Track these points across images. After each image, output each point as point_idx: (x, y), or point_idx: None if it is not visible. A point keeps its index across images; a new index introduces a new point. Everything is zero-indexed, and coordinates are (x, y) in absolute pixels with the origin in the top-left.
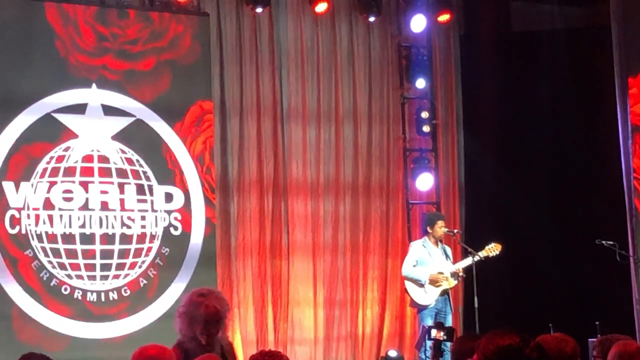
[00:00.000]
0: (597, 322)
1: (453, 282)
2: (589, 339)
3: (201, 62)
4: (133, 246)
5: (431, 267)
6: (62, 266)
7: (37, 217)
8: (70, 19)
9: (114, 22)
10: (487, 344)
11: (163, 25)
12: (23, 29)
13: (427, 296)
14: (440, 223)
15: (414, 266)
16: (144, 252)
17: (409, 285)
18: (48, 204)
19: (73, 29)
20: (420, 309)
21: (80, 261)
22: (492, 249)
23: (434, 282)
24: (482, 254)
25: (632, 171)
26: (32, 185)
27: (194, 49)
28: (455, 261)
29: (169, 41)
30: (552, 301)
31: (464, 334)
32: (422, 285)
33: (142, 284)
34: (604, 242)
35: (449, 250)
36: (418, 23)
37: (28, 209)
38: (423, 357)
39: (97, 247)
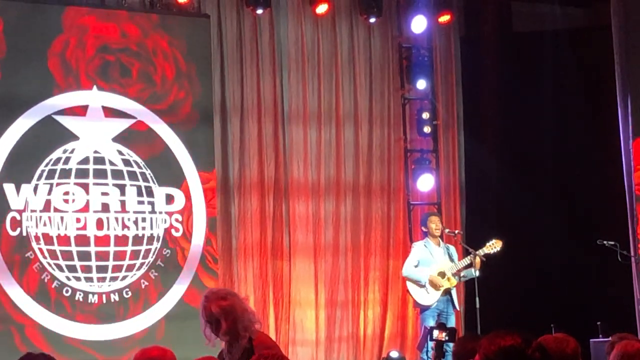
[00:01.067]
0: (598, 323)
1: (455, 282)
2: (591, 339)
3: (200, 130)
4: (134, 248)
5: (433, 268)
6: (63, 268)
7: (38, 219)
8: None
9: (116, 80)
10: (489, 344)
11: (165, 88)
12: (26, 31)
13: (429, 296)
14: (432, 219)
15: (416, 266)
16: (145, 254)
17: (410, 286)
18: (49, 206)
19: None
20: (422, 309)
21: (79, 263)
22: (493, 245)
23: (433, 284)
24: (483, 250)
25: (632, 171)
26: (33, 187)
27: (194, 116)
28: (460, 258)
29: (168, 106)
30: (553, 301)
31: (465, 334)
32: (422, 286)
33: (143, 286)
34: (605, 242)
35: (452, 249)
36: (419, 24)
37: (29, 211)
38: (425, 358)
39: (98, 249)
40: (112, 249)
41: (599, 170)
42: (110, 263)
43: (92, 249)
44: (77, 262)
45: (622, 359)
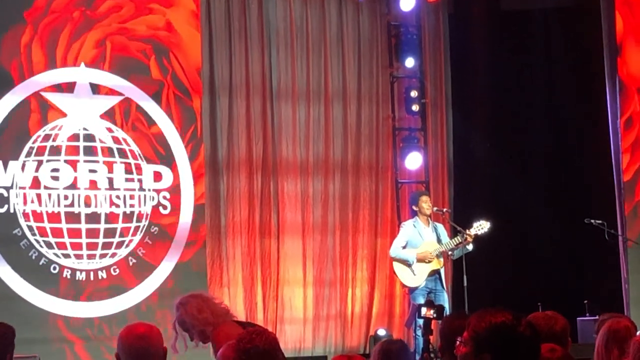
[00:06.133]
0: (585, 301)
1: (442, 262)
2: (578, 318)
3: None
4: (121, 225)
5: (421, 249)
6: (50, 245)
7: (25, 196)
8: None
9: (105, 57)
10: (479, 321)
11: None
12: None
13: (416, 278)
14: (423, 198)
15: (404, 247)
16: (133, 231)
17: (397, 267)
18: (36, 183)
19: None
20: (411, 289)
21: (68, 240)
22: (481, 226)
23: (422, 259)
24: (472, 231)
25: (620, 150)
26: (21, 164)
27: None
28: (449, 237)
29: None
30: (541, 280)
31: (452, 312)
32: (409, 266)
33: (131, 263)
34: (592, 221)
35: (440, 227)
36: (407, 2)
37: (16, 187)
38: (415, 335)
39: (85, 226)
40: (102, 226)
41: (588, 149)
42: (101, 240)
43: (83, 226)
44: (63, 239)
45: (609, 335)
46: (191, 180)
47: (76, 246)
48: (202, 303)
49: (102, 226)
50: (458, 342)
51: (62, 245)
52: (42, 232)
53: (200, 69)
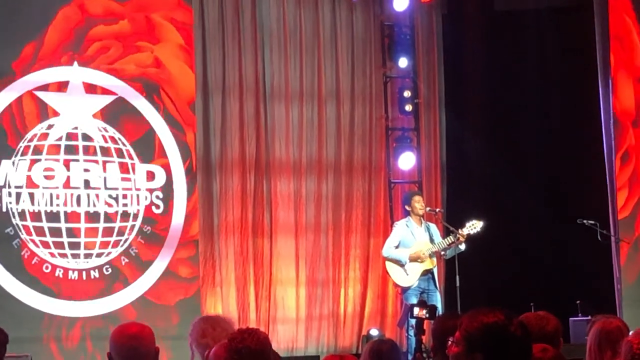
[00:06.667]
0: (578, 302)
1: (435, 262)
2: (570, 318)
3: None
4: (115, 224)
5: (413, 249)
6: (42, 244)
7: (18, 195)
8: None
9: (98, 56)
10: (471, 321)
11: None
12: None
13: (409, 277)
14: (416, 198)
15: (397, 247)
16: (126, 231)
17: (390, 267)
18: (29, 182)
19: None
20: (404, 289)
21: (60, 239)
22: (474, 226)
23: (415, 259)
24: (464, 231)
25: (613, 151)
26: (14, 163)
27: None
28: (441, 237)
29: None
30: (533, 281)
31: (445, 312)
32: (402, 266)
33: (123, 262)
34: (585, 221)
35: (433, 227)
36: (401, 2)
37: (9, 186)
38: (407, 335)
39: (78, 225)
40: (82, 225)
41: (581, 149)
42: (82, 240)
43: (63, 225)
44: (55, 239)
45: (601, 335)
46: (184, 180)
47: (69, 245)
48: (208, 328)
49: (94, 225)
50: (450, 342)
51: (54, 245)
52: (35, 231)
53: (192, 102)
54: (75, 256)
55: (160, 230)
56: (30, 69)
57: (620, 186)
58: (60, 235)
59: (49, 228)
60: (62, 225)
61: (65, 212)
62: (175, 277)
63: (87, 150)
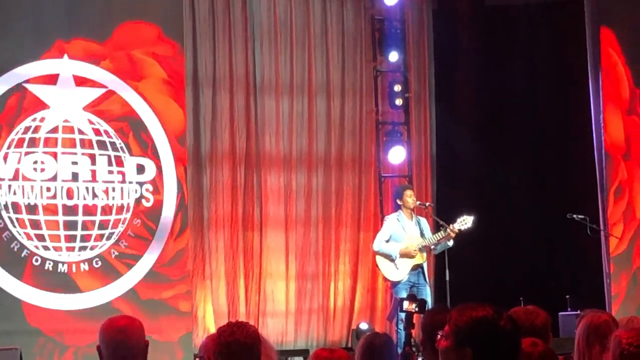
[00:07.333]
0: (567, 296)
1: (425, 256)
2: (560, 313)
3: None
4: (104, 217)
5: (404, 243)
6: (31, 237)
7: (8, 187)
8: None
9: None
10: (460, 315)
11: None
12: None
13: (399, 272)
14: (408, 193)
15: (387, 241)
16: (115, 224)
17: (380, 261)
18: (19, 175)
19: None
20: (394, 283)
21: (49, 232)
22: (464, 221)
23: (405, 253)
24: (455, 226)
25: (603, 145)
26: (3, 155)
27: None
28: (431, 231)
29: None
30: (523, 275)
31: (434, 307)
32: (393, 260)
33: (113, 255)
34: (575, 216)
35: (423, 221)
36: None
37: None
38: (397, 329)
39: (68, 218)
40: (80, 218)
41: (572, 144)
42: (79, 232)
43: (60, 217)
44: (45, 232)
45: (589, 329)
46: (174, 173)
47: (57, 238)
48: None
49: (84, 219)
50: (439, 336)
51: (43, 238)
52: (24, 224)
53: (181, 135)
54: (60, 249)
55: (150, 224)
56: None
57: (616, 221)
58: (48, 228)
59: (38, 221)
60: (52, 218)
61: (54, 205)
62: (162, 278)
63: (76, 143)
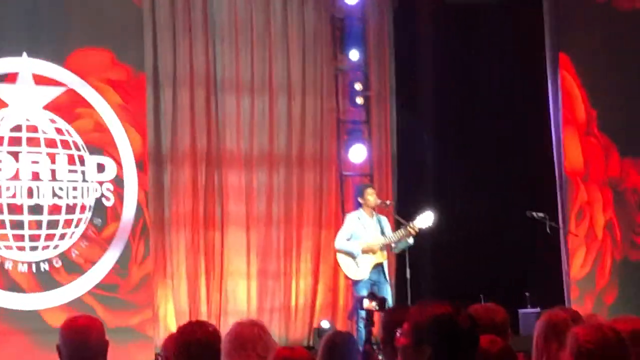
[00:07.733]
0: (527, 293)
1: (385, 255)
2: (519, 310)
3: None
4: (64, 217)
5: (364, 241)
6: None
7: None
8: None
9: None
10: (419, 313)
11: None
12: None
13: (360, 270)
14: (369, 191)
15: (348, 240)
16: (75, 223)
17: (341, 259)
18: None
19: None
20: (355, 281)
21: (9, 231)
22: (424, 220)
23: (367, 251)
24: (415, 224)
25: (562, 145)
26: None
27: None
28: (392, 229)
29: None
30: (483, 273)
31: (395, 305)
32: (354, 258)
33: (73, 255)
34: (534, 214)
35: (384, 220)
36: None
37: None
38: (357, 327)
39: (27, 217)
40: (45, 217)
41: (532, 142)
42: (44, 232)
43: (25, 217)
44: (9, 231)
45: (548, 327)
46: (135, 172)
47: (18, 238)
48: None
49: (45, 218)
50: (398, 334)
51: (3, 237)
52: None
53: (140, 161)
54: (21, 249)
55: (111, 223)
56: None
57: (579, 244)
58: (9, 228)
59: None
60: (12, 217)
61: (14, 205)
62: (129, 305)
63: (35, 142)
